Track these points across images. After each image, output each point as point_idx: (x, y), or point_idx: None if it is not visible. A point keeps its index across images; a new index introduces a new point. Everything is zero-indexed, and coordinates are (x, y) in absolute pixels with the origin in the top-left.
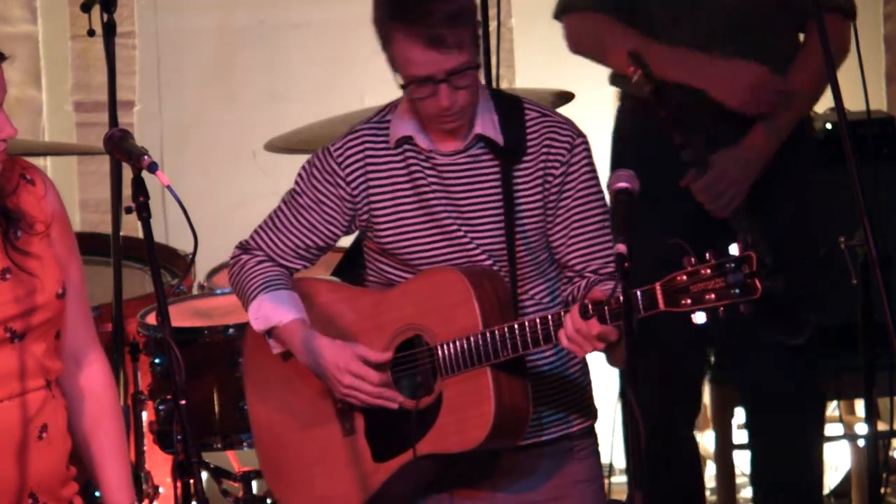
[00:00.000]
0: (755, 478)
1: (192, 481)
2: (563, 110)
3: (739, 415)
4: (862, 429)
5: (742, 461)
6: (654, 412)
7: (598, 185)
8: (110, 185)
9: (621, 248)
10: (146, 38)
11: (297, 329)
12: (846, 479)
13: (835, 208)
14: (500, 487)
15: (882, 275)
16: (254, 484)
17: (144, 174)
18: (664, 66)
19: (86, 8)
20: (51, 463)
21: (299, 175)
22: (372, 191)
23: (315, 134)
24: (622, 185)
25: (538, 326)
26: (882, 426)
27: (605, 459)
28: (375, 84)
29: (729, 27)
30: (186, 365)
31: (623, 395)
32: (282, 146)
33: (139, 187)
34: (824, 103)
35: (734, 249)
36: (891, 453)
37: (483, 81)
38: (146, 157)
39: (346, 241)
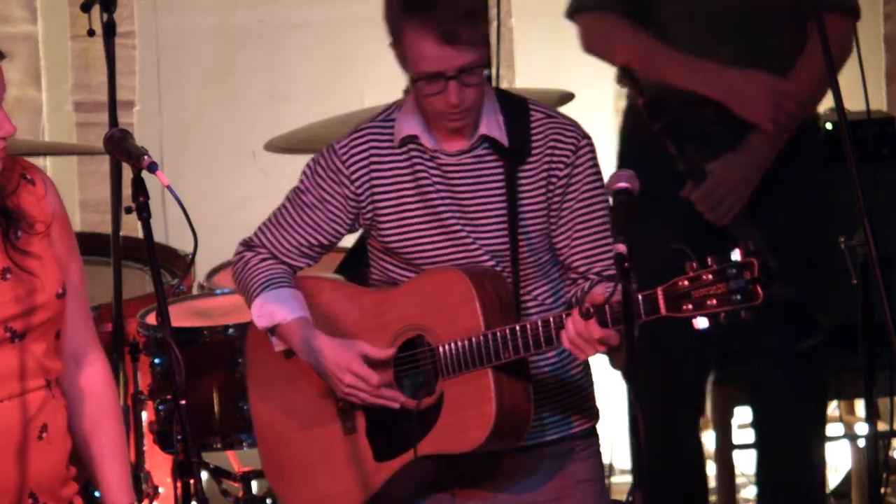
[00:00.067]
0: (758, 478)
1: (192, 481)
2: (563, 110)
3: (739, 415)
4: (862, 429)
5: (742, 461)
6: (657, 416)
7: (602, 187)
8: (110, 185)
9: (621, 248)
10: (146, 38)
11: (299, 327)
12: (846, 479)
13: (835, 208)
14: (502, 488)
15: (882, 275)
16: (254, 484)
17: (144, 174)
18: (675, 74)
19: (86, 8)
20: (51, 463)
21: (304, 173)
22: (376, 189)
23: (315, 134)
24: (622, 184)
25: (540, 329)
26: (882, 426)
27: (605, 459)
28: (375, 84)
29: (730, 27)
30: (186, 365)
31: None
32: (282, 146)
33: (139, 187)
34: (824, 103)
35: (736, 255)
36: (891, 453)
37: None
38: (146, 157)
39: (346, 242)
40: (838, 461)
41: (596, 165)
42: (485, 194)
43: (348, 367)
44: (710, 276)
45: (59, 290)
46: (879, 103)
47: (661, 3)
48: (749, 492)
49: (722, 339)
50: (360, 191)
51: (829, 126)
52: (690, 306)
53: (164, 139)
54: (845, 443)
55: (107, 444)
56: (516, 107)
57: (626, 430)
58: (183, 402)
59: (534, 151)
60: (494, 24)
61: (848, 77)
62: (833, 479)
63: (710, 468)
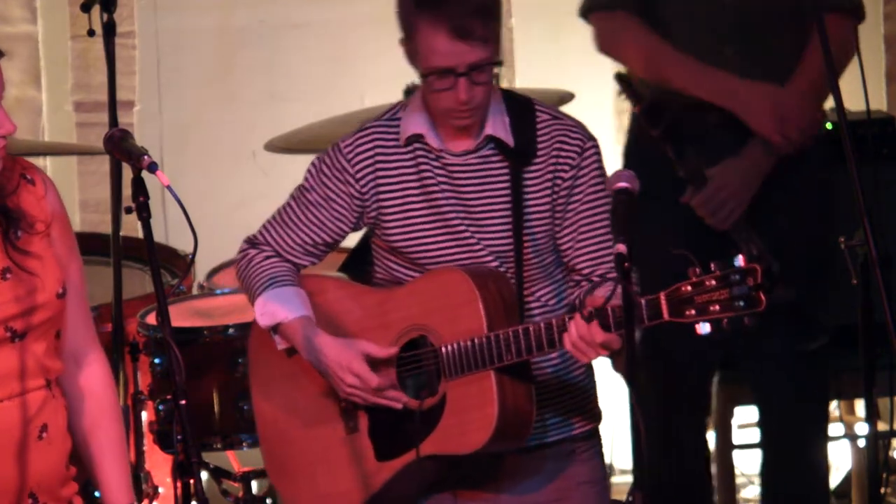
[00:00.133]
0: (763, 478)
1: (192, 481)
2: (563, 110)
3: (739, 415)
4: (862, 429)
5: (742, 461)
6: (661, 420)
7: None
8: (110, 185)
9: (621, 248)
10: (146, 38)
11: (302, 326)
12: (846, 479)
13: (835, 208)
14: (504, 489)
15: (882, 275)
16: (254, 484)
17: (144, 174)
18: (685, 81)
19: (86, 8)
20: (51, 463)
21: (309, 171)
22: (381, 188)
23: (315, 134)
24: (622, 184)
25: (542, 331)
26: (882, 426)
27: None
28: (375, 84)
29: (731, 27)
30: (186, 365)
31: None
32: (282, 146)
33: (139, 187)
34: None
35: (739, 261)
36: (891, 453)
37: None
38: (146, 157)
39: (348, 242)
40: (838, 461)
41: (601, 168)
42: (490, 195)
43: (350, 367)
44: (714, 282)
45: (60, 289)
46: (879, 103)
47: (664, 2)
48: (749, 492)
49: (725, 343)
50: (364, 189)
51: (828, 126)
52: (693, 312)
53: (164, 139)
54: (845, 443)
55: (106, 444)
56: (522, 107)
57: (628, 430)
58: (183, 402)
59: (539, 153)
60: None
61: (848, 77)
62: (833, 479)
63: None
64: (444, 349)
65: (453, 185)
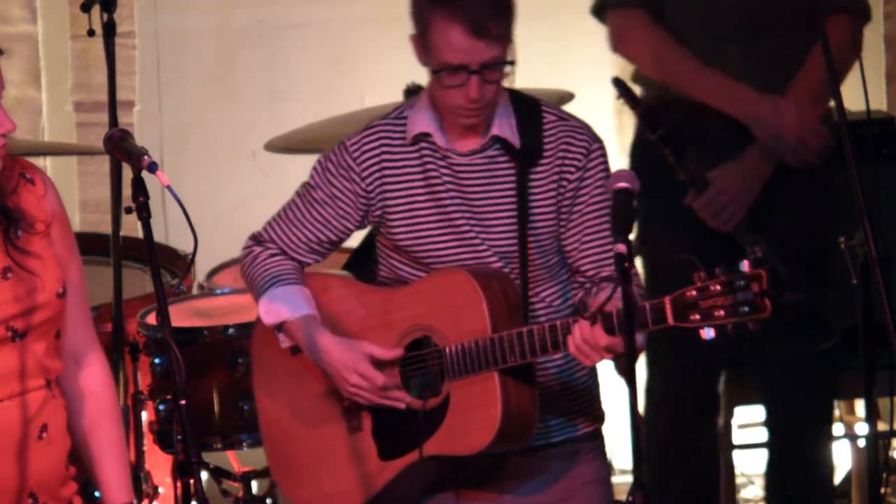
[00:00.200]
0: (767, 477)
1: (192, 481)
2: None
3: (739, 415)
4: (862, 429)
5: (742, 461)
6: (668, 427)
7: None
8: (110, 185)
9: (621, 248)
10: (146, 38)
11: (306, 325)
12: (846, 479)
13: (836, 208)
14: (507, 489)
15: (882, 275)
16: (254, 484)
17: (144, 174)
18: (700, 91)
19: (86, 8)
20: (51, 463)
21: (314, 168)
22: (386, 187)
23: (315, 134)
24: (622, 184)
25: (547, 334)
26: (882, 426)
27: None
28: (375, 84)
29: (736, 27)
30: (186, 365)
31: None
32: (282, 146)
33: (139, 187)
34: None
35: (744, 267)
36: (891, 453)
37: None
38: (146, 157)
39: (350, 241)
40: (838, 461)
41: (607, 170)
42: (495, 195)
43: (354, 368)
44: (719, 287)
45: (60, 289)
46: (879, 103)
47: (670, 1)
48: (749, 492)
49: (729, 348)
50: (370, 188)
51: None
52: (698, 317)
53: (164, 139)
54: (845, 443)
55: (106, 443)
56: (529, 108)
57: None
58: (183, 402)
59: (545, 154)
60: None
61: (848, 77)
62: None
63: None
64: (447, 350)
65: (459, 185)
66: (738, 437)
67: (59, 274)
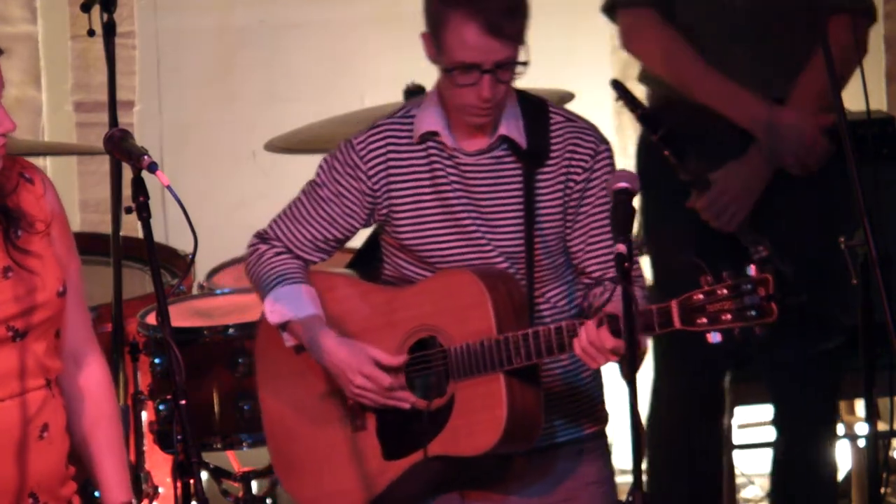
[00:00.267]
0: (773, 477)
1: (192, 481)
2: None
3: (739, 415)
4: (862, 429)
5: (742, 461)
6: (675, 428)
7: None
8: (110, 185)
9: (621, 248)
10: (146, 38)
11: (311, 325)
12: (846, 479)
13: (836, 208)
14: (512, 490)
15: (882, 275)
16: (254, 484)
17: (144, 174)
18: (704, 92)
19: (86, 8)
20: (51, 462)
21: (320, 167)
22: (392, 186)
23: (315, 134)
24: (622, 184)
25: (553, 336)
26: (882, 426)
27: None
28: (375, 84)
29: (742, 27)
30: (186, 365)
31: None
32: (282, 146)
33: (139, 187)
34: None
35: (751, 271)
36: (891, 453)
37: None
38: (146, 157)
39: (353, 241)
40: (838, 461)
41: (614, 171)
42: (502, 196)
43: (360, 369)
44: (725, 291)
45: (60, 288)
46: (879, 103)
47: (676, 2)
48: (749, 492)
49: (736, 352)
50: (376, 186)
51: None
52: (705, 320)
53: (164, 139)
54: (845, 443)
55: (105, 443)
56: (536, 109)
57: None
58: (183, 402)
59: (552, 154)
60: None
61: None
62: None
63: None
64: (452, 350)
65: (465, 184)
66: (738, 437)
67: (60, 273)
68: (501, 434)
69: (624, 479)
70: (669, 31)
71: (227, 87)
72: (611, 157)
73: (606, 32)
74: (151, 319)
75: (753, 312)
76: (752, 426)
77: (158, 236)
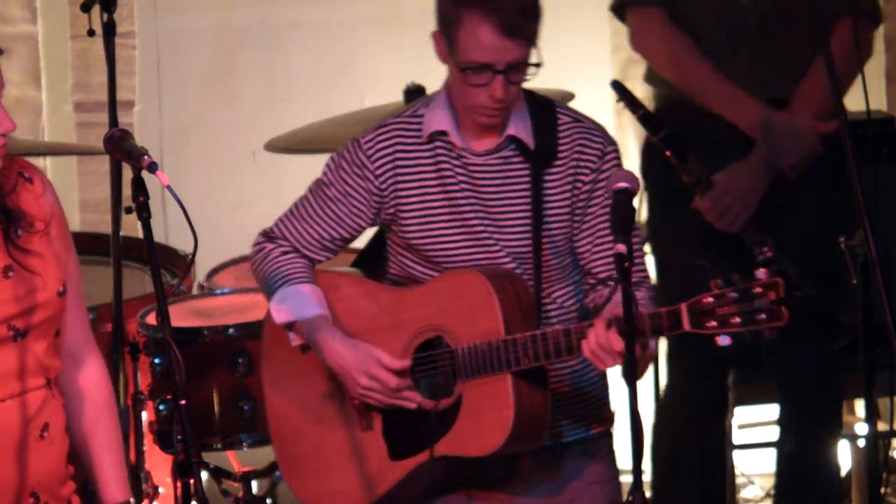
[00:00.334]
0: (778, 478)
1: (192, 481)
2: None
3: (739, 415)
4: (862, 429)
5: (742, 461)
6: (681, 428)
7: None
8: (110, 185)
9: (621, 248)
10: (146, 38)
11: (317, 325)
12: (846, 479)
13: (837, 208)
14: (519, 491)
15: (882, 275)
16: (254, 484)
17: (144, 174)
18: (706, 95)
19: (86, 8)
20: (51, 462)
21: (327, 165)
22: (400, 185)
23: (315, 134)
24: (622, 184)
25: (561, 338)
26: (882, 426)
27: None
28: (375, 84)
29: (746, 31)
30: (186, 365)
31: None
32: (282, 146)
33: (139, 187)
34: None
35: (761, 274)
36: (891, 453)
37: None
38: (146, 157)
39: (356, 241)
40: (838, 461)
41: None
42: (510, 196)
43: (366, 370)
44: (735, 295)
45: (60, 287)
46: (879, 103)
47: (681, 2)
48: (749, 492)
49: (745, 356)
50: (383, 186)
51: None
52: (714, 323)
53: (164, 139)
54: (845, 443)
55: (104, 443)
56: (544, 109)
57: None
58: (183, 402)
59: (560, 155)
60: None
61: None
62: None
63: None
64: (460, 350)
65: (473, 184)
66: (738, 437)
67: (60, 273)
68: (508, 434)
69: (624, 480)
70: (675, 30)
71: (227, 87)
72: (618, 157)
73: (606, 32)
74: (151, 319)
75: (763, 316)
76: (752, 426)
77: (158, 236)
